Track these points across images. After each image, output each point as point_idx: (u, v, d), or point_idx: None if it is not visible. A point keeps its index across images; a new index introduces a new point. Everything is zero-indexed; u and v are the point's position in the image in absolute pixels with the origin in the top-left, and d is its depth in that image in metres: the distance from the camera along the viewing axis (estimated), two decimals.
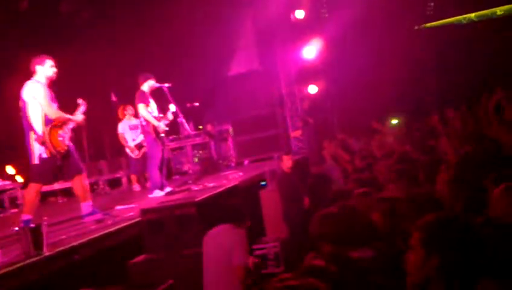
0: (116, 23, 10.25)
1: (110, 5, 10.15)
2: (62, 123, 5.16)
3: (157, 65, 8.77)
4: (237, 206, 4.54)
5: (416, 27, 13.53)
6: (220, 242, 4.18)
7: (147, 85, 7.16)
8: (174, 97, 7.34)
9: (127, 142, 8.77)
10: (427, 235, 2.20)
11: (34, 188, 5.06)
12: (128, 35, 10.13)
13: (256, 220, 6.44)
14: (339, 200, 3.87)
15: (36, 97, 4.99)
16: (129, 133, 8.72)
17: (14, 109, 5.14)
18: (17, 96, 5.10)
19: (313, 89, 11.69)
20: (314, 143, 10.80)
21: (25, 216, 4.93)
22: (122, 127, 8.80)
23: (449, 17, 13.22)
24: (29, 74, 5.20)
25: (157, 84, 7.25)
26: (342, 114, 11.87)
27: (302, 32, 11.53)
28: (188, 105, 9.71)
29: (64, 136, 5.13)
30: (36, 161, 5.00)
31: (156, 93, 7.41)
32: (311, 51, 11.46)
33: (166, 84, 7.28)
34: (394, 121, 10.09)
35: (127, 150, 8.84)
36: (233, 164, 10.67)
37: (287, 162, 6.99)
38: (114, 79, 10.39)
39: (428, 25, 13.44)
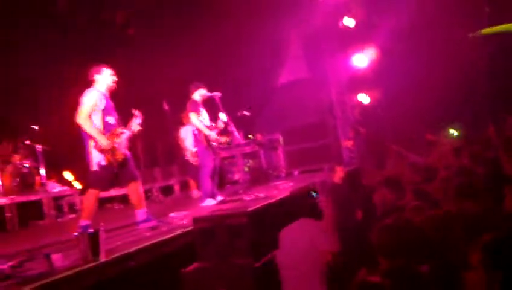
0: (168, 34, 10.50)
1: (161, 16, 10.43)
2: (119, 132, 5.32)
3: (208, 74, 8.91)
4: (314, 203, 4.60)
5: (471, 34, 13.04)
6: (300, 234, 4.24)
7: (198, 94, 7.29)
8: (225, 106, 7.46)
9: (187, 147, 8.84)
10: (486, 255, 2.13)
11: (92, 194, 5.23)
12: (180, 45, 10.36)
13: None
14: (394, 212, 3.79)
15: (84, 101, 5.16)
16: (192, 138, 8.75)
17: (73, 117, 5.33)
18: (76, 105, 5.30)
19: (364, 97, 11.52)
20: (366, 153, 10.63)
21: (83, 222, 5.10)
22: (186, 131, 8.87)
23: (505, 23, 12.68)
24: (89, 84, 5.41)
25: (209, 94, 7.37)
26: (395, 124, 11.60)
27: (352, 40, 11.40)
28: (238, 114, 9.80)
29: (121, 144, 5.28)
30: (95, 168, 5.17)
31: (207, 103, 7.54)
32: (361, 59, 11.31)
33: (217, 94, 7.39)
34: (452, 132, 9.74)
35: (188, 155, 8.89)
36: (283, 174, 10.63)
37: (339, 173, 6.90)
38: (167, 88, 10.64)
39: (484, 31, 12.94)
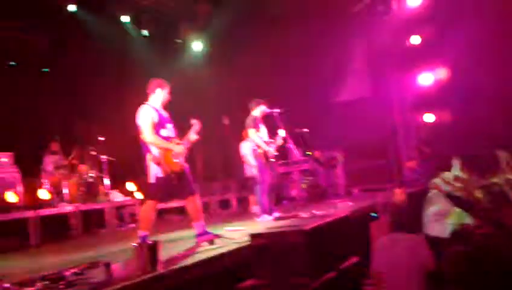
0: (230, 50, 10.65)
1: (227, 32, 10.59)
2: (176, 143, 5.37)
3: (268, 90, 8.91)
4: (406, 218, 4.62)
5: None
6: (396, 246, 4.29)
7: (259, 110, 7.36)
8: (284, 122, 7.44)
9: (249, 162, 8.83)
10: None
11: (150, 205, 5.32)
12: (242, 61, 10.47)
13: (364, 253, 6.18)
14: (461, 238, 3.58)
15: (140, 119, 5.26)
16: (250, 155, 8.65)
17: (136, 129, 5.46)
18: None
19: (429, 117, 11.12)
20: (431, 175, 10.19)
21: (142, 232, 5.18)
22: (246, 147, 8.78)
23: None
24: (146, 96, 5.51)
25: (268, 110, 7.40)
26: (463, 144, 11.08)
27: (418, 58, 11.09)
28: (297, 131, 9.73)
29: (179, 156, 5.34)
30: (152, 180, 5.26)
31: (267, 118, 7.55)
32: (427, 77, 10.97)
33: (277, 110, 7.40)
34: None
35: (252, 171, 8.87)
36: (342, 193, 10.42)
37: (399, 196, 6.65)
38: (228, 102, 10.77)
39: None
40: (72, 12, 9.62)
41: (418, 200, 6.57)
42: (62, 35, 10.34)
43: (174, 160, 5.25)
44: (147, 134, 5.19)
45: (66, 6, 9.53)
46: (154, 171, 5.23)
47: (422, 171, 10.59)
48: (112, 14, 10.02)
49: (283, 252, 4.31)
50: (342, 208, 7.22)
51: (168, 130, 5.40)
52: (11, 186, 8.34)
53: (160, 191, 5.30)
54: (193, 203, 5.41)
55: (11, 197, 8.23)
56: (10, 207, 8.15)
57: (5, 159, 8.54)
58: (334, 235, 5.00)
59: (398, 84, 11.22)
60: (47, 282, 3.87)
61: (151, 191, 5.32)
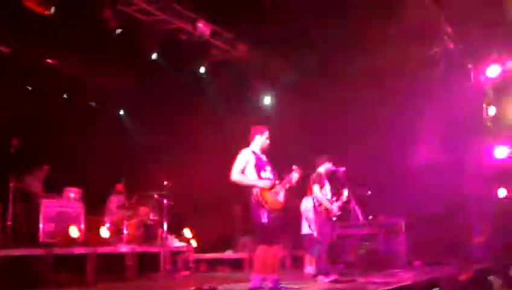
0: (298, 105, 10.66)
1: (296, 90, 10.68)
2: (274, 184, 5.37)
3: (335, 148, 8.77)
4: None
5: None
6: None
7: (324, 168, 7.32)
8: (348, 182, 7.30)
9: (309, 219, 8.65)
10: None
11: (268, 251, 5.25)
12: (311, 117, 10.41)
13: None
14: None
15: (236, 161, 5.35)
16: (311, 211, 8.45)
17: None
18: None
19: (502, 192, 10.42)
20: (499, 253, 9.46)
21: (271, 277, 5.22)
22: (307, 204, 8.73)
23: None
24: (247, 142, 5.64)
25: (333, 168, 7.33)
26: None
27: (496, 130, 10.58)
28: (361, 192, 9.44)
29: (278, 193, 5.31)
30: (264, 220, 5.18)
31: (332, 177, 7.44)
32: (503, 151, 10.38)
33: (342, 169, 7.32)
34: None
35: (311, 228, 8.65)
36: (402, 263, 9.83)
37: (467, 273, 6.24)
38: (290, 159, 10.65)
39: None
40: (153, 60, 10.00)
41: (484, 277, 6.12)
42: (141, 80, 10.84)
43: (273, 198, 5.24)
44: (233, 172, 5.30)
45: (150, 53, 9.89)
46: (265, 211, 5.18)
47: (492, 247, 9.88)
48: (189, 64, 10.42)
49: None
50: (403, 278, 6.81)
51: (267, 173, 5.44)
52: (75, 221, 8.56)
53: (274, 231, 5.22)
54: (271, 254, 5.26)
55: (74, 232, 8.42)
56: (72, 242, 8.34)
57: (72, 194, 8.84)
58: None
59: (472, 154, 10.64)
60: None
61: (266, 234, 5.22)
